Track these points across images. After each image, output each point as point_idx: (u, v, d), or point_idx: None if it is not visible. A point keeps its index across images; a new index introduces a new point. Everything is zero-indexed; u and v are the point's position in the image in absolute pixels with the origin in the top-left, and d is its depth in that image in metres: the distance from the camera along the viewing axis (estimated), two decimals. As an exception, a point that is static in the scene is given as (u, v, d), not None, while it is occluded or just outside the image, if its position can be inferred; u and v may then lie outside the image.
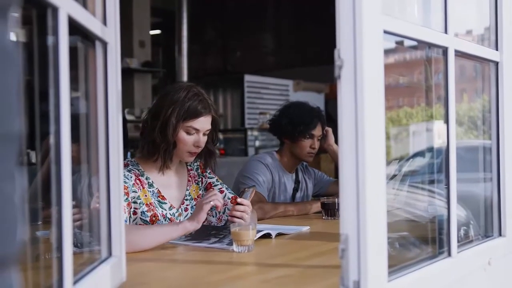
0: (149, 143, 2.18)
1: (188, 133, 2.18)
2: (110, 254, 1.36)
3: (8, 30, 0.60)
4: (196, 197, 2.34)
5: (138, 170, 2.19)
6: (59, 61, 1.00)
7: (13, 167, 0.59)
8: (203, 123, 2.19)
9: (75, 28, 1.10)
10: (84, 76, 1.34)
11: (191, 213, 2.28)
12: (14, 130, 0.60)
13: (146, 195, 2.17)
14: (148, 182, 2.21)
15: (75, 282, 1.08)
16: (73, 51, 1.08)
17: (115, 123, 1.36)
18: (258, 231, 2.02)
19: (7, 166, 0.58)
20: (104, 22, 1.34)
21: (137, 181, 2.15)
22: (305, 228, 2.33)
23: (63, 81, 1.01)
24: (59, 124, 1.00)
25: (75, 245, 1.18)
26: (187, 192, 2.32)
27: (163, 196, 2.22)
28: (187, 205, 2.31)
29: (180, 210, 2.27)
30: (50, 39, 1.01)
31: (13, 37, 0.62)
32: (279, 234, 2.17)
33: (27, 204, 0.63)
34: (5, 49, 0.59)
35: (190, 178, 2.36)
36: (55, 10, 0.99)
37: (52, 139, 1.01)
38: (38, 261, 1.24)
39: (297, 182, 3.12)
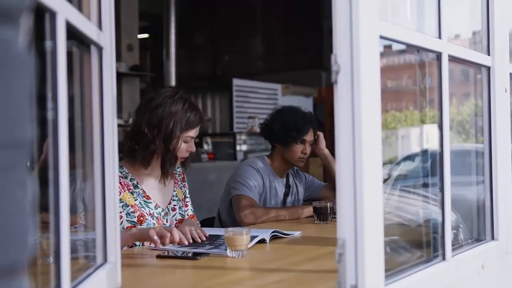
0: (150, 153, 2.23)
1: (185, 141, 2.28)
2: (105, 260, 1.35)
3: (19, 37, 0.59)
4: (181, 199, 2.43)
5: (121, 172, 2.22)
6: (57, 66, 0.99)
7: (24, 174, 0.59)
8: (197, 130, 2.32)
9: (71, 32, 1.10)
10: (79, 81, 1.33)
11: (179, 213, 2.38)
12: (26, 137, 0.60)
13: (129, 197, 2.21)
14: (133, 184, 2.26)
15: (72, 289, 1.07)
16: (68, 56, 1.07)
17: (110, 128, 1.36)
18: (252, 237, 2.02)
19: (19, 173, 0.58)
20: (100, 26, 1.33)
21: (118, 184, 2.17)
22: (297, 233, 2.33)
23: (61, 86, 1.00)
24: (57, 129, 0.99)
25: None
26: (174, 193, 2.40)
27: (148, 196, 2.28)
28: (174, 205, 2.38)
29: (166, 209, 2.33)
30: (47, 44, 1.00)
31: (25, 43, 0.62)
32: (274, 237, 2.16)
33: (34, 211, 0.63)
34: (18, 56, 0.59)
35: (176, 180, 2.44)
36: (53, 14, 0.98)
37: (49, 144, 1.00)
38: (35, 267, 1.23)
39: (288, 186, 3.12)
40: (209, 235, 2.20)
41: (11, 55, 0.58)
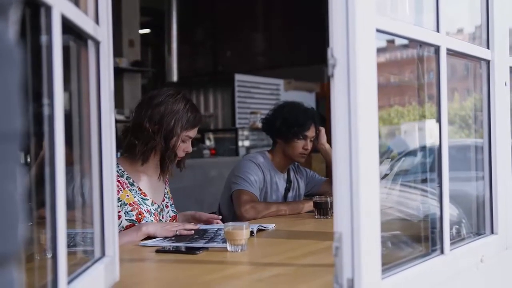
0: (149, 149, 2.25)
1: (183, 141, 2.30)
2: (103, 254, 1.35)
3: (9, 29, 0.60)
4: (170, 197, 2.48)
5: (117, 171, 2.23)
6: (53, 60, 1.00)
7: (14, 166, 0.60)
8: (196, 131, 2.36)
9: (67, 27, 1.10)
10: (76, 76, 1.34)
11: (172, 210, 2.43)
12: (15, 129, 0.60)
13: (128, 195, 2.24)
14: (129, 182, 2.28)
15: (69, 282, 1.07)
16: (64, 50, 1.07)
17: (108, 123, 1.36)
18: None
19: (9, 165, 0.59)
20: (97, 21, 1.33)
21: (117, 182, 2.18)
22: (272, 226, 2.35)
23: (57, 81, 1.00)
24: (52, 124, 0.99)
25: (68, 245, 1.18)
26: (166, 191, 2.44)
27: (144, 193, 2.30)
28: (167, 202, 2.43)
29: (161, 206, 2.37)
30: (43, 38, 1.00)
31: (14, 36, 0.62)
32: (259, 230, 2.21)
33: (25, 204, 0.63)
34: (7, 48, 0.59)
35: (166, 179, 2.47)
36: (48, 9, 0.98)
37: (45, 139, 1.00)
38: (32, 262, 1.23)
39: (289, 181, 3.12)
40: (198, 229, 2.21)
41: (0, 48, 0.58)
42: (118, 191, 2.19)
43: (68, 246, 1.12)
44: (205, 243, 1.96)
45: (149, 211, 2.26)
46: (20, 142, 0.61)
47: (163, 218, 2.35)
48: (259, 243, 2.04)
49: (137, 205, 2.24)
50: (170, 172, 2.38)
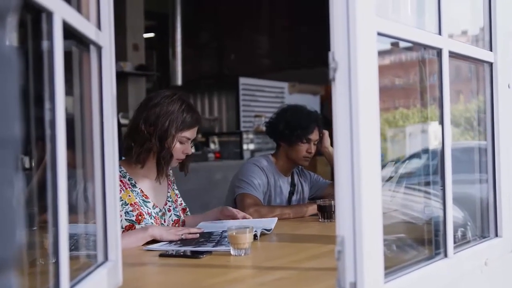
0: (145, 151, 2.25)
1: (181, 142, 2.30)
2: (106, 258, 1.35)
3: (6, 35, 0.60)
4: (174, 201, 2.46)
5: (120, 172, 2.24)
6: (54, 65, 1.00)
7: (12, 172, 0.60)
8: (194, 132, 2.34)
9: (69, 32, 1.10)
10: (79, 81, 1.34)
11: (174, 214, 2.42)
12: (13, 135, 0.60)
13: (129, 196, 2.25)
14: (131, 183, 2.29)
15: (71, 287, 1.07)
16: (67, 56, 1.08)
17: (110, 127, 1.36)
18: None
19: (6, 171, 0.59)
20: (99, 26, 1.34)
21: (119, 182, 2.19)
22: (273, 223, 2.36)
23: (58, 86, 1.00)
24: (54, 129, 0.99)
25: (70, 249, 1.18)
26: (168, 194, 2.44)
27: (146, 195, 2.31)
28: (169, 206, 2.42)
29: (163, 210, 2.37)
30: (44, 44, 1.01)
31: (11, 42, 0.62)
32: (262, 234, 2.20)
33: (25, 209, 0.64)
34: (4, 54, 0.59)
35: (169, 182, 2.48)
36: (49, 14, 0.98)
37: (47, 144, 1.01)
38: (35, 266, 1.24)
39: (293, 185, 3.12)
40: (203, 233, 2.21)
41: (-3, 55, 0.59)
42: (120, 190, 2.20)
43: (71, 249, 1.12)
44: (213, 246, 1.96)
45: (149, 214, 2.27)
46: (18, 147, 0.62)
47: (165, 222, 2.35)
48: (262, 247, 2.04)
49: (138, 206, 2.24)
50: (166, 173, 2.37)
